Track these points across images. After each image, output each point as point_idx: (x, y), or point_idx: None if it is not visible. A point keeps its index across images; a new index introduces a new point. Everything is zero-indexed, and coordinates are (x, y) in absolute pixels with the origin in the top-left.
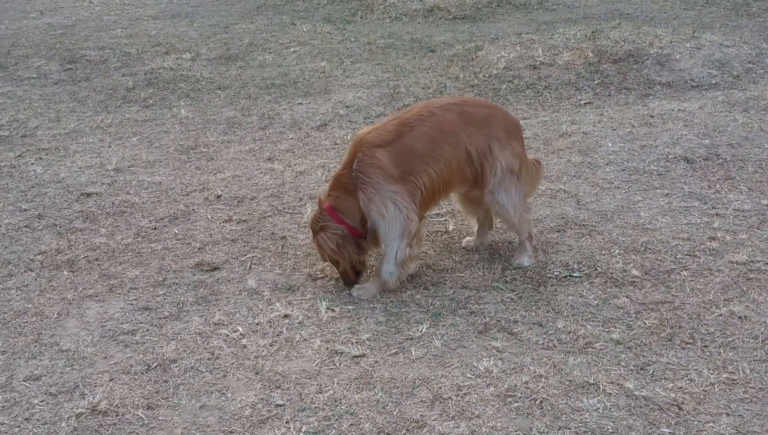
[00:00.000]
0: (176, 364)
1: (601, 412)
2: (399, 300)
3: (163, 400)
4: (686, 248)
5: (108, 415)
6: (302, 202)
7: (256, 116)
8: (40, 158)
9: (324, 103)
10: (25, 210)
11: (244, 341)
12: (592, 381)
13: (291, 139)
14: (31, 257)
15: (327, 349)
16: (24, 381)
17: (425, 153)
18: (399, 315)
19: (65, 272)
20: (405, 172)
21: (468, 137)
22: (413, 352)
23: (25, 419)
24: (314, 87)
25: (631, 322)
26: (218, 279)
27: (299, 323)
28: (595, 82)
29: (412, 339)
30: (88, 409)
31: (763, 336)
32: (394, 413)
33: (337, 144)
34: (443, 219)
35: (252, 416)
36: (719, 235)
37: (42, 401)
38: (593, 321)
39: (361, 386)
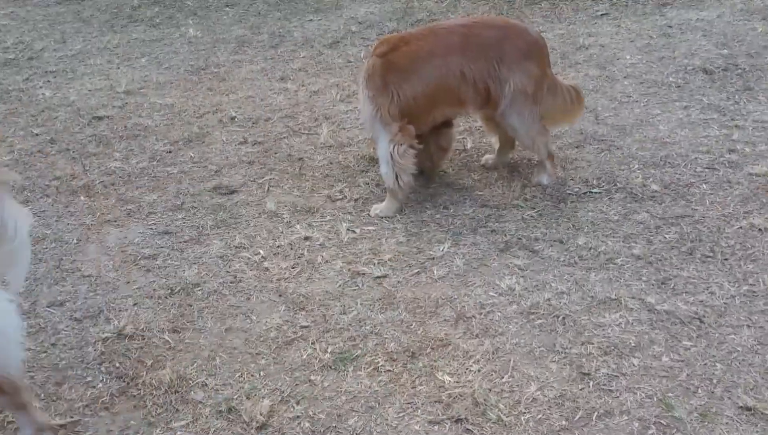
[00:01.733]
0: (199, 288)
1: (623, 326)
2: (419, 220)
3: (188, 323)
4: (705, 161)
5: (134, 338)
6: (317, 123)
7: (267, 34)
8: (48, 81)
9: (335, 20)
10: (37, 134)
11: (266, 264)
12: (613, 296)
13: (303, 57)
14: (47, 183)
15: (349, 270)
16: (48, 307)
17: (404, 69)
18: (420, 235)
19: (82, 198)
20: (384, 83)
21: (466, 60)
22: (435, 272)
23: (52, 344)
24: (325, 2)
25: (651, 237)
26: (237, 202)
27: (320, 245)
28: None
29: (433, 259)
30: (114, 333)
31: None
32: (419, 332)
33: (350, 62)
34: (461, 137)
35: (278, 338)
36: (738, 147)
37: (67, 326)
38: (614, 237)
39: (384, 307)
